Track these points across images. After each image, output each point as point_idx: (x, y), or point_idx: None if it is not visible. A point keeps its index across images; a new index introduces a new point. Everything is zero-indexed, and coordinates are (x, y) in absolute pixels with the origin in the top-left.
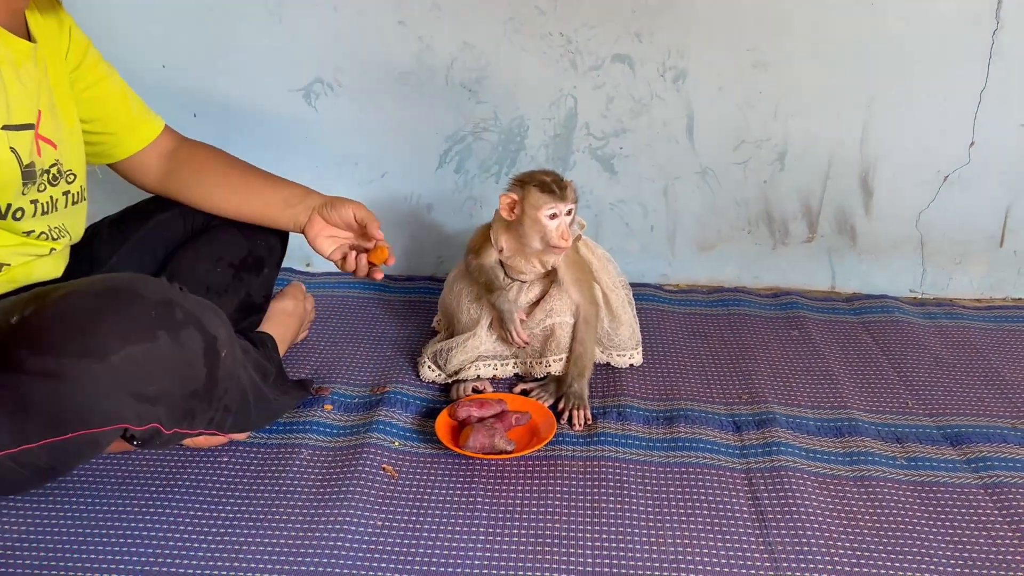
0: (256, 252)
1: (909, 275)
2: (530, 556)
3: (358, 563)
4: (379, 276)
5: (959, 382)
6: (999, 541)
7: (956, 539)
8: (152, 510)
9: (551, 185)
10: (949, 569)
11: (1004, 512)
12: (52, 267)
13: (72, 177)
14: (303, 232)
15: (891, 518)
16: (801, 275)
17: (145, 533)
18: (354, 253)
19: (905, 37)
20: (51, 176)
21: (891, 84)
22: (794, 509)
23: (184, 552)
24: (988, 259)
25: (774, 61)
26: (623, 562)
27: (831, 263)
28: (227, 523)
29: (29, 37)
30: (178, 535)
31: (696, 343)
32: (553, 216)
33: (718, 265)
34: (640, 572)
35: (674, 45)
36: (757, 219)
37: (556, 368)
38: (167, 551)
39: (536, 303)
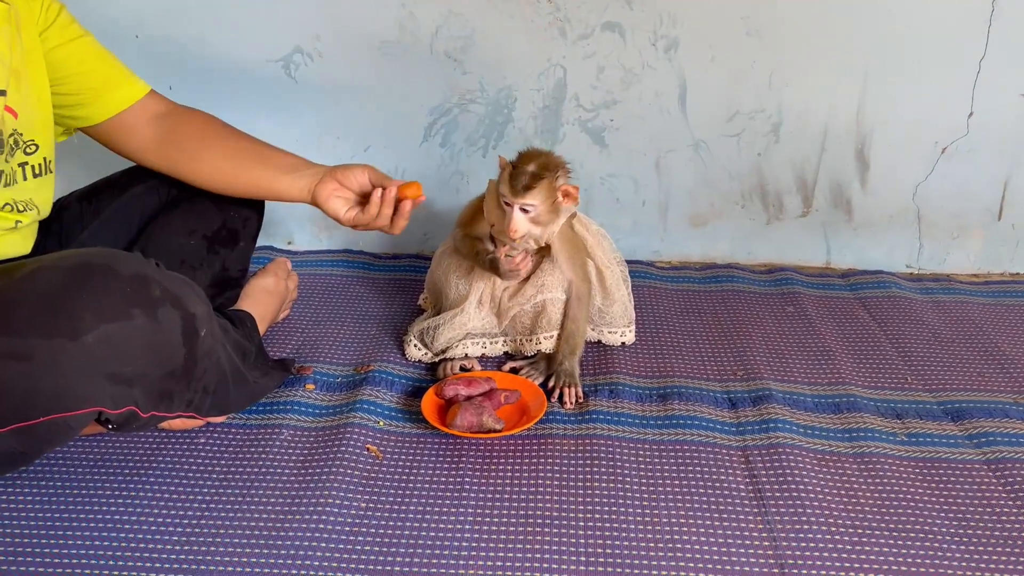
0: (230, 224)
1: (905, 250)
2: (520, 538)
3: (341, 546)
4: (408, 207)
5: (958, 357)
6: (1003, 518)
7: (959, 516)
8: (126, 493)
9: (516, 175)
10: (953, 547)
11: (1008, 488)
12: (19, 243)
13: (33, 148)
14: (312, 197)
15: (893, 496)
16: (796, 250)
17: (118, 517)
18: (379, 190)
19: (902, 3)
20: (8, 146)
21: (887, 52)
22: (793, 487)
23: (159, 536)
24: (985, 233)
25: (768, 29)
26: (617, 543)
27: (826, 238)
28: (204, 506)
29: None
30: (153, 519)
31: (689, 320)
32: (507, 204)
33: (711, 241)
34: (635, 553)
35: (666, 12)
36: (751, 193)
37: (547, 346)
38: (141, 535)
39: (527, 279)
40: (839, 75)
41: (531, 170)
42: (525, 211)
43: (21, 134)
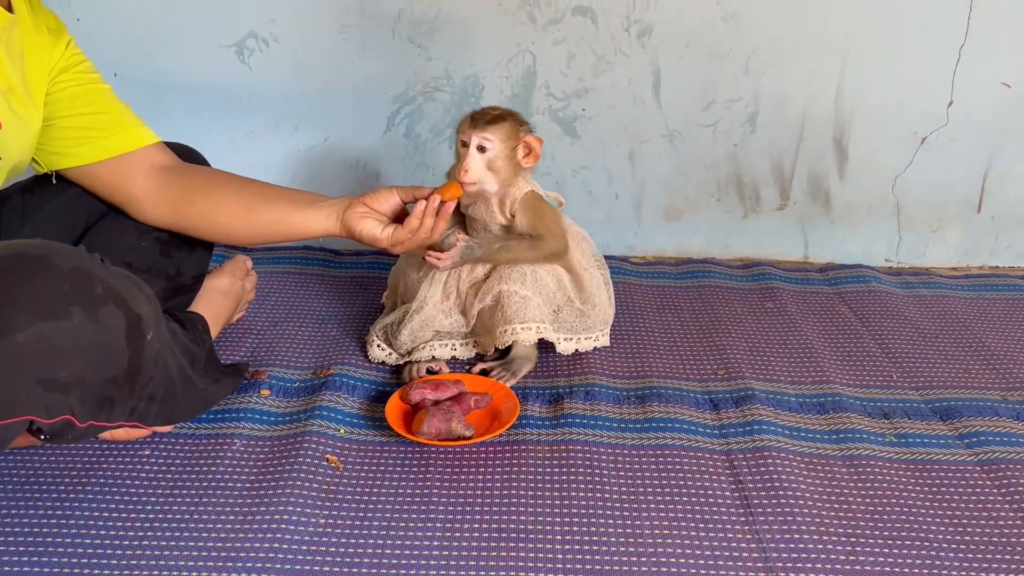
0: None
1: (884, 243)
2: (494, 553)
3: (298, 567)
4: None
5: (943, 353)
6: (1000, 523)
7: (955, 521)
8: (61, 511)
9: (479, 112)
10: (951, 553)
11: (1003, 491)
12: None
13: None
14: (343, 225)
15: (885, 500)
16: (773, 244)
17: (51, 539)
18: (422, 202)
19: None
20: None
21: (866, 39)
22: (780, 493)
23: (98, 559)
24: (964, 225)
25: (744, 14)
26: (597, 556)
27: (804, 231)
28: (148, 525)
29: (10, 8)
30: (91, 540)
31: (666, 317)
32: (464, 144)
33: (686, 235)
34: (616, 567)
35: None
36: (727, 185)
37: (504, 340)
38: (77, 559)
39: (490, 273)
40: (817, 62)
41: (495, 112)
42: (482, 149)
43: None
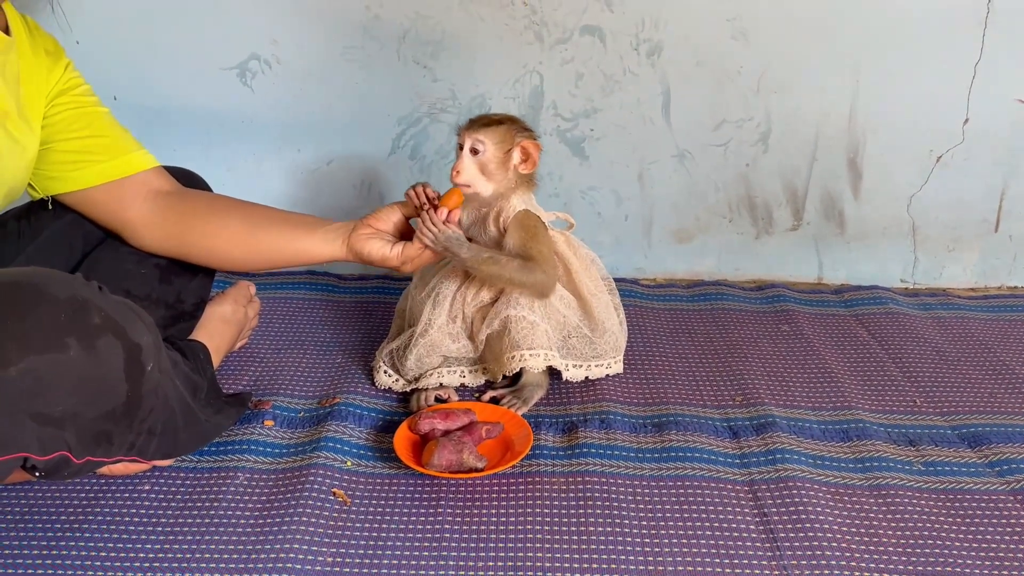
0: None
1: (899, 264)
2: None
3: None
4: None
5: (966, 377)
6: None
7: (991, 554)
8: (57, 551)
9: (477, 116)
10: None
11: None
12: None
13: None
14: (349, 248)
15: (916, 532)
16: (786, 265)
17: None
18: (425, 212)
19: (894, 4)
20: None
21: (880, 55)
22: (807, 525)
23: None
24: (981, 245)
25: (755, 32)
26: None
27: (818, 252)
28: (149, 564)
29: (7, 31)
30: None
31: (679, 341)
32: (459, 146)
33: (697, 256)
34: None
35: (648, 15)
36: (739, 206)
37: (512, 367)
38: None
39: (498, 297)
40: (830, 80)
41: (495, 116)
42: (475, 151)
43: None
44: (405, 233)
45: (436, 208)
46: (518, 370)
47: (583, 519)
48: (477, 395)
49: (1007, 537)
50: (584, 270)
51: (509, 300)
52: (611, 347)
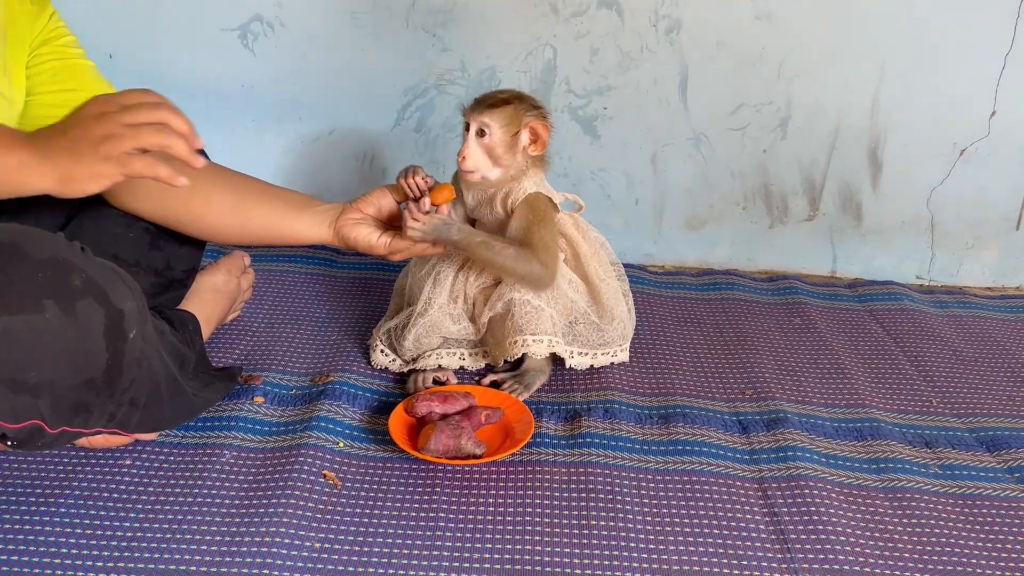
0: None
1: (916, 259)
2: None
3: None
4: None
5: (984, 378)
6: None
7: (1010, 564)
8: (31, 525)
9: (484, 95)
10: None
11: None
12: None
13: None
14: (336, 231)
15: (933, 538)
16: (799, 257)
17: (20, 556)
18: (412, 205)
19: None
20: None
21: (907, 44)
22: (820, 527)
23: None
24: (1001, 243)
25: (779, 13)
26: None
27: (833, 244)
28: (127, 543)
29: None
30: (62, 559)
31: (688, 330)
32: (465, 129)
33: (708, 245)
34: None
35: None
36: (754, 194)
37: (515, 351)
38: (51, 572)
39: (499, 282)
40: (854, 67)
41: (502, 95)
42: (481, 134)
43: None
44: (395, 217)
45: (421, 201)
46: (520, 355)
47: (584, 512)
48: (477, 379)
49: None
50: (593, 254)
51: (513, 284)
52: (618, 335)
